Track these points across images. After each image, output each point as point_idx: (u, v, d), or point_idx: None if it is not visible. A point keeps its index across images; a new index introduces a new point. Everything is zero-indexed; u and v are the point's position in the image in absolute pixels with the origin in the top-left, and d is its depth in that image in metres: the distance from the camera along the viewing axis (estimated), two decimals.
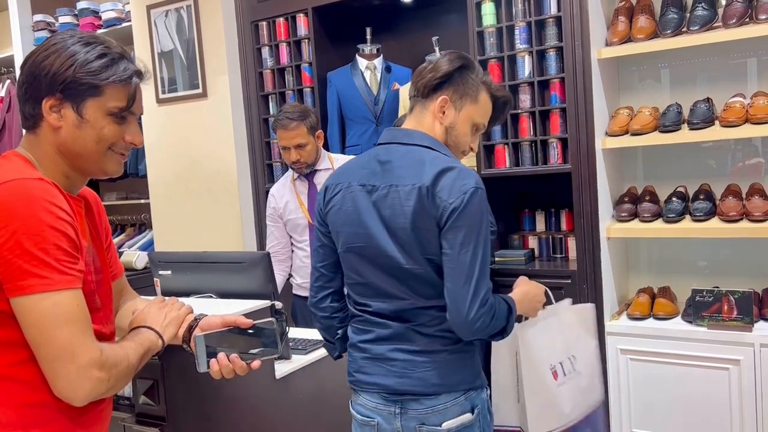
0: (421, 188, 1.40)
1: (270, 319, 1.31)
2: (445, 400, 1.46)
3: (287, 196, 2.82)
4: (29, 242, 1.03)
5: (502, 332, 1.47)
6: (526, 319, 1.69)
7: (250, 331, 1.30)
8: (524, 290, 1.62)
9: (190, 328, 1.33)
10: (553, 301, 1.83)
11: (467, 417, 1.47)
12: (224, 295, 1.96)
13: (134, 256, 3.03)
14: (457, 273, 1.39)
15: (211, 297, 1.96)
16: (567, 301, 1.88)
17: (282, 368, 1.85)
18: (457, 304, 1.38)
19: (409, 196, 1.41)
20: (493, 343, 1.71)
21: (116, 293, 1.38)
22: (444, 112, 1.51)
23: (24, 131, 1.22)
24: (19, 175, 1.08)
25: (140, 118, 1.28)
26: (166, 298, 1.39)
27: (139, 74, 1.23)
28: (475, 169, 2.86)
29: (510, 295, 1.56)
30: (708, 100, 2.55)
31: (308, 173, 2.77)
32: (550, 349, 1.72)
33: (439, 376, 1.46)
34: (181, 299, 1.42)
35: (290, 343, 2.01)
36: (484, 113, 1.57)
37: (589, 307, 1.91)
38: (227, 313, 1.42)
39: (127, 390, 1.60)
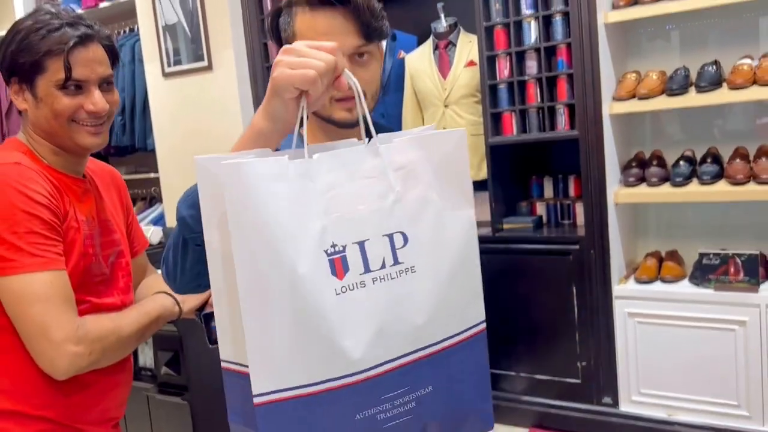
0: None
1: None
2: None
3: None
4: (1, 227, 1.07)
5: None
6: None
7: None
8: None
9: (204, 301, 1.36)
10: None
11: None
12: None
13: (148, 231, 3.07)
14: None
15: None
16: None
17: None
18: None
19: None
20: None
21: (139, 269, 1.42)
22: None
23: None
24: None
25: (110, 82, 1.21)
26: None
27: (83, 38, 1.15)
28: (483, 137, 2.86)
29: None
30: (716, 62, 2.53)
31: None
32: (329, 214, 0.78)
33: None
34: None
35: None
36: None
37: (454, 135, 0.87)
38: None
39: (149, 361, 1.65)
